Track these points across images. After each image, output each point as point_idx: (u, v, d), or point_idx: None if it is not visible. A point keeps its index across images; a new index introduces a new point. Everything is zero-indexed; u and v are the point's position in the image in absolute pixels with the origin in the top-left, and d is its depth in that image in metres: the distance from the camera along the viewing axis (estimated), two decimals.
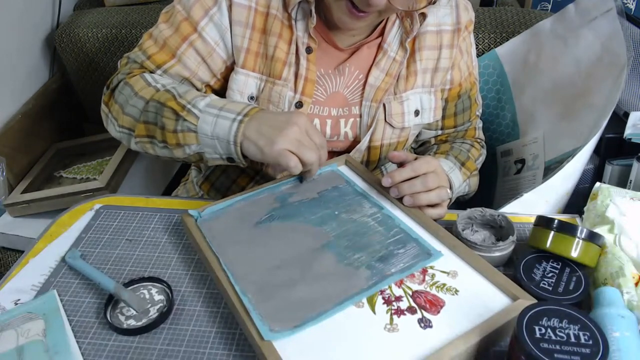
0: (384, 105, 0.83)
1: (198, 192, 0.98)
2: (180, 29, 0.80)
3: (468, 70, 0.91)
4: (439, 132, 0.96)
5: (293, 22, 0.79)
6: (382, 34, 0.82)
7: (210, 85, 0.85)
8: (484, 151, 0.99)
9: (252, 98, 0.82)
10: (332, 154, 0.89)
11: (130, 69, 0.82)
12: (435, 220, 0.70)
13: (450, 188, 0.79)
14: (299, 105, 0.81)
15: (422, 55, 0.84)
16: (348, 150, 0.87)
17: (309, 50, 0.80)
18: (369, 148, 0.86)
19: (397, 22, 0.82)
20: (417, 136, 0.96)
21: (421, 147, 1.01)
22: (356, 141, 0.86)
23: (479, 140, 1.00)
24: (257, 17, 0.79)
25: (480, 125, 1.02)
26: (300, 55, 0.79)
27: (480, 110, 1.00)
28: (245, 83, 0.81)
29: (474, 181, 0.92)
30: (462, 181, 0.85)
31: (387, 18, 0.82)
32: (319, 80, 0.82)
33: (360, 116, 0.84)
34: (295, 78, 0.80)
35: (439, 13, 0.84)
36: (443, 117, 0.93)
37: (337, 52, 0.83)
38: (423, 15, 0.80)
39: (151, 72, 0.82)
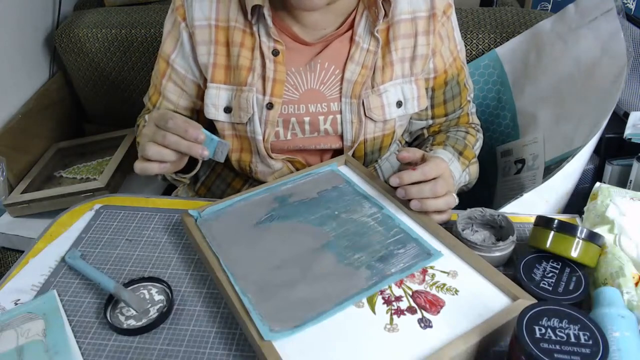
0: (362, 99, 0.82)
1: (195, 195, 0.99)
2: (159, 67, 0.88)
3: (452, 55, 0.88)
4: (430, 121, 0.94)
5: (255, 29, 0.80)
6: (352, 26, 0.81)
7: (198, 111, 0.91)
8: (481, 135, 0.96)
9: (226, 110, 0.84)
10: (318, 151, 0.88)
11: (142, 112, 0.96)
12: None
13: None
14: (270, 106, 0.81)
15: (397, 44, 0.82)
16: (328, 146, 0.86)
17: (275, 52, 0.80)
18: (352, 144, 0.85)
19: (366, 12, 0.81)
20: (409, 128, 0.95)
21: (416, 141, 1.00)
22: (337, 136, 0.85)
23: (473, 125, 0.97)
24: (219, 32, 0.82)
25: (474, 109, 0.99)
26: (265, 59, 0.80)
27: (472, 95, 0.96)
28: (217, 96, 0.84)
29: (474, 169, 0.90)
30: (462, 171, 0.84)
31: (356, 10, 0.81)
32: (289, 79, 0.82)
33: (341, 112, 0.83)
34: (263, 81, 0.81)
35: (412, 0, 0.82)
36: (432, 107, 0.91)
37: (307, 48, 0.82)
38: (388, 3, 0.79)
39: (150, 110, 0.92)
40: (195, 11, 0.81)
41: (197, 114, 0.91)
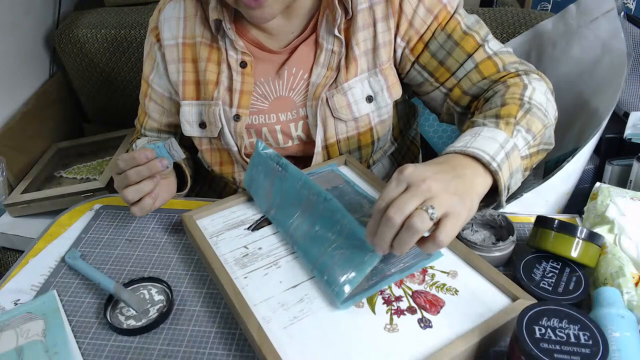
0: (327, 100, 0.80)
1: None
2: (142, 88, 0.92)
3: (432, 13, 0.77)
4: (443, 89, 0.79)
5: (221, 43, 0.81)
6: (316, 29, 0.80)
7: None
8: (533, 78, 0.72)
9: (202, 125, 0.85)
10: (291, 159, 0.87)
11: (133, 136, 0.98)
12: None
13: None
14: (237, 118, 0.82)
15: (357, 38, 0.78)
16: (305, 152, 0.86)
17: (243, 64, 0.81)
18: (326, 147, 0.84)
19: (327, 12, 0.78)
20: (434, 105, 0.84)
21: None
22: (311, 142, 0.84)
23: (512, 72, 0.74)
24: (186, 49, 0.84)
25: (500, 49, 0.77)
26: (233, 71, 0.81)
27: (482, 35, 0.77)
28: (189, 113, 0.85)
29: (532, 121, 0.65)
30: (512, 134, 0.61)
31: (319, 11, 0.79)
32: (258, 89, 0.82)
33: (307, 117, 0.83)
34: (231, 93, 0.82)
35: None
36: (432, 74, 0.79)
37: (275, 55, 0.82)
38: (342, 4, 0.77)
39: (139, 131, 0.96)
40: (165, 31, 0.84)
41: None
